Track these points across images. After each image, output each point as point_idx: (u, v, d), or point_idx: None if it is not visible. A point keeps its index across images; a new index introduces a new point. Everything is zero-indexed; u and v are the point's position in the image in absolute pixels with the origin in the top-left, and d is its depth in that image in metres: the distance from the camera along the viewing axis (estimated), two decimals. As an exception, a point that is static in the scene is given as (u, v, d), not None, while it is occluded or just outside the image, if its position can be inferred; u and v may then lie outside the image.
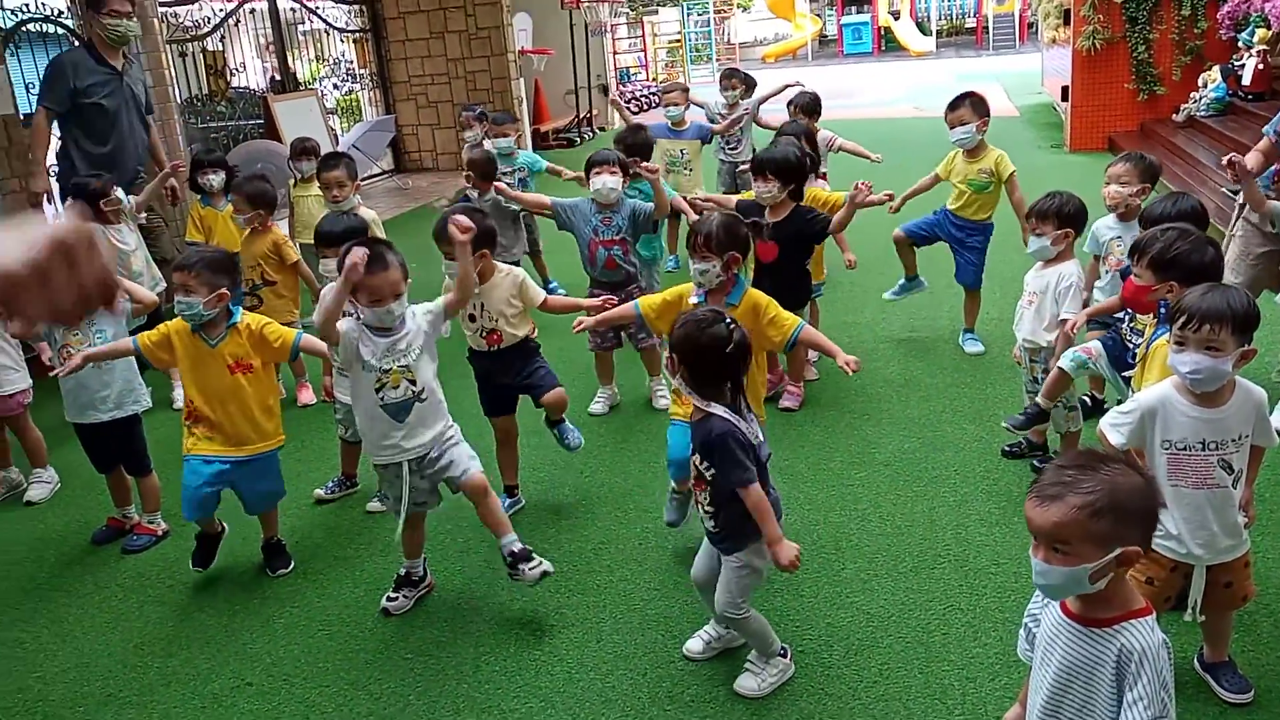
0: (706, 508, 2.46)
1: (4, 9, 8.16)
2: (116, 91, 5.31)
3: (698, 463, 2.43)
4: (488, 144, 6.23)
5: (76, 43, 7.03)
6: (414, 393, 2.84)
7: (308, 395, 4.82)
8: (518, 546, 2.95)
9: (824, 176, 6.00)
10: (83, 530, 3.77)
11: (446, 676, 2.75)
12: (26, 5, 8.27)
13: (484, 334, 3.48)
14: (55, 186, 5.72)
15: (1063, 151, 10.13)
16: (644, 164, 4.42)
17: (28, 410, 4.05)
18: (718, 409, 2.36)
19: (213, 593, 3.29)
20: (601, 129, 14.62)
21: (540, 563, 2.93)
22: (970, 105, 4.68)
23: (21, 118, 6.28)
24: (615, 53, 17.17)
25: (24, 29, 8.29)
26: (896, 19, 26.26)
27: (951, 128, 4.73)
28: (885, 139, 9.97)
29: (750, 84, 7.07)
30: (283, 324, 4.61)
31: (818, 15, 29.30)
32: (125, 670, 2.90)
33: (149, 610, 3.22)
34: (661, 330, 3.25)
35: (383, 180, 11.94)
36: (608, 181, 4.22)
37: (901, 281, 5.16)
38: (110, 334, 3.48)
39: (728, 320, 2.41)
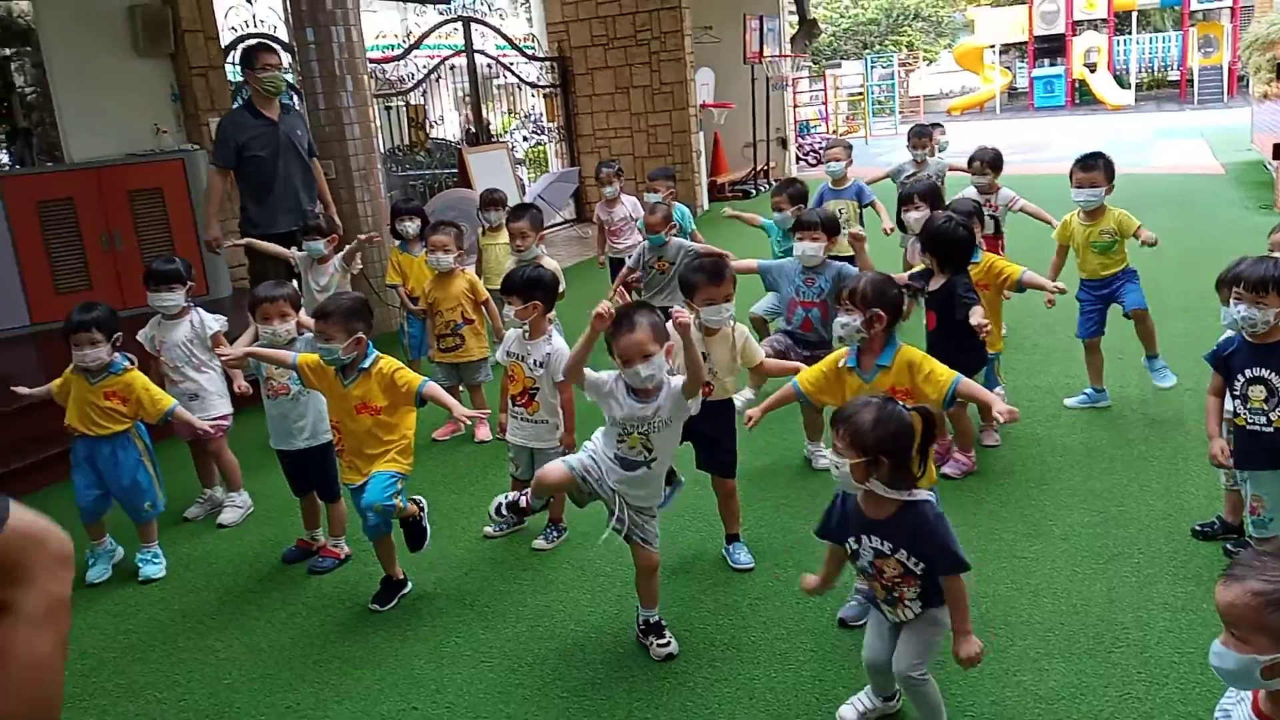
0: (910, 602, 2.37)
1: (235, 61, 8.98)
2: (272, 141, 5.77)
3: (904, 559, 2.32)
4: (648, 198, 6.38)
5: (295, 97, 7.67)
6: (647, 458, 2.91)
7: (484, 432, 5.03)
8: (655, 618, 3.09)
9: (1001, 237, 5.86)
10: (275, 549, 4.06)
11: (599, 719, 2.80)
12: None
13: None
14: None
15: (1272, 212, 9.44)
16: (853, 230, 4.46)
17: (226, 436, 4.39)
18: (920, 493, 2.32)
19: (386, 617, 3.47)
20: (778, 180, 14.66)
21: (670, 642, 3.06)
22: (1103, 167, 4.60)
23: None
24: (796, 106, 17.23)
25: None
26: (1093, 72, 25.25)
27: (1078, 187, 4.65)
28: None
29: (939, 143, 6.97)
30: (477, 360, 4.93)
31: (1007, 68, 28.53)
32: (304, 684, 3.09)
33: (329, 629, 3.42)
34: (825, 404, 3.25)
35: (564, 229, 12.36)
36: (808, 249, 4.27)
37: (1087, 391, 4.92)
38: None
39: (901, 405, 2.34)
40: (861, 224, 6.28)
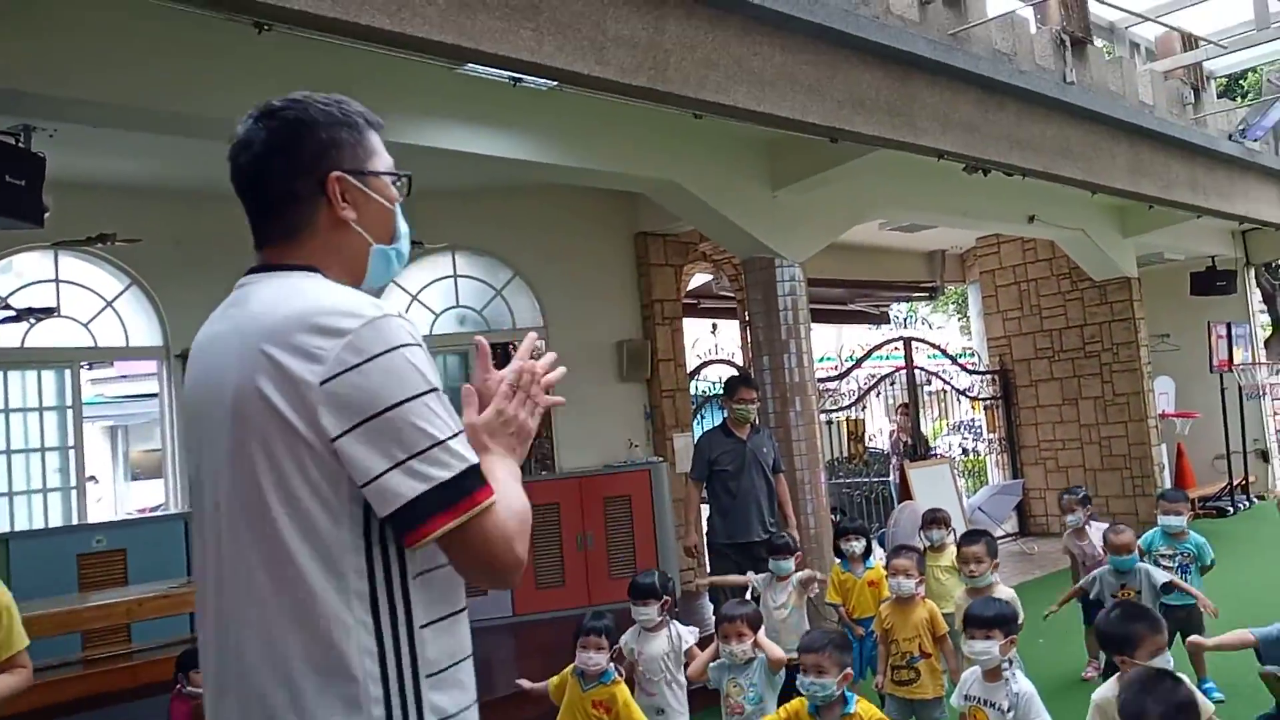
0: None
1: (698, 380, 10.07)
2: (738, 457, 6.22)
3: None
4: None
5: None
6: None
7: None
8: None
9: None
10: None
11: None
12: (710, 387, 10.13)
13: None
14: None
15: None
16: None
17: None
18: None
19: None
20: (1260, 497, 12.98)
21: None
22: None
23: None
24: (1276, 414, 15.42)
25: (706, 403, 10.12)
26: None
27: None
28: None
29: None
30: (932, 699, 4.63)
31: None
32: None
33: None
34: None
35: (1005, 543, 11.77)
36: None
37: None
38: (760, 687, 3.87)
39: None
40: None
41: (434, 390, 1.38)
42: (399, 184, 1.62)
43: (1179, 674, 2.86)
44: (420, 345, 1.41)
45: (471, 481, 1.36)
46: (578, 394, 8.50)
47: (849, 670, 3.27)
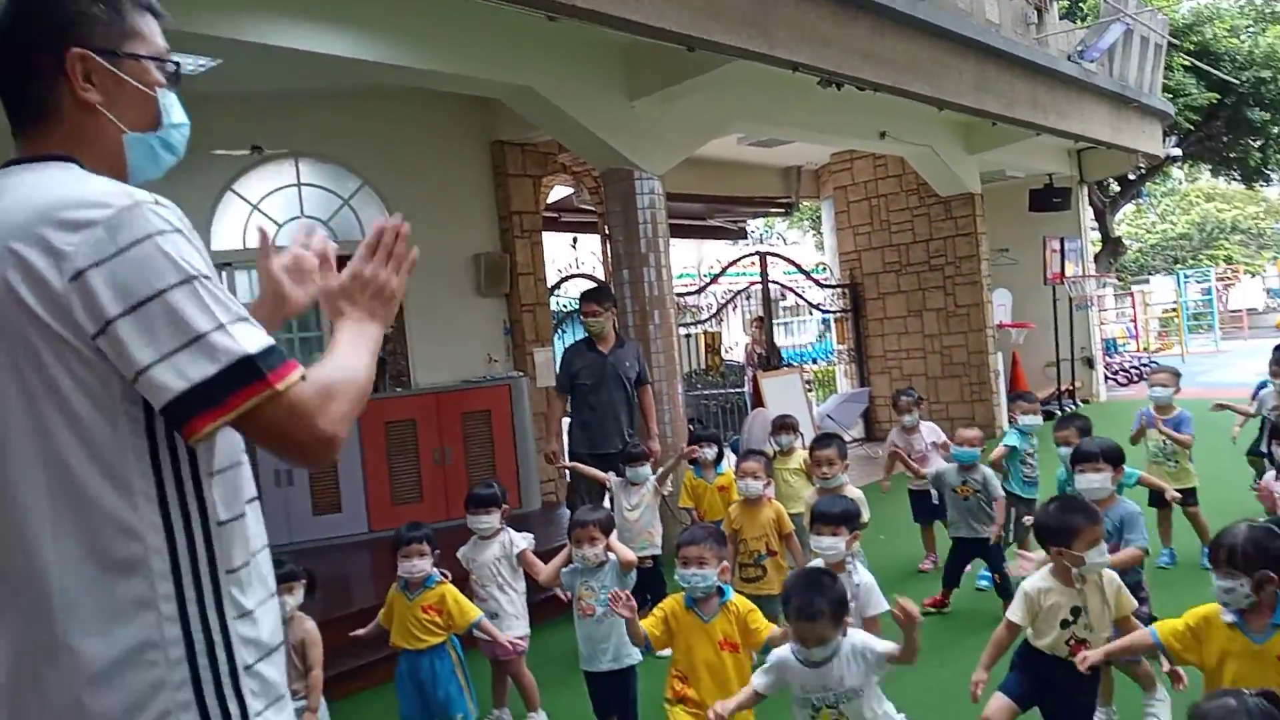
0: None
1: (559, 295, 9.99)
2: (598, 370, 6.32)
3: None
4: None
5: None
6: None
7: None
8: None
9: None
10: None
11: None
12: (570, 302, 10.05)
13: (1071, 641, 3.18)
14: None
15: None
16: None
17: (524, 656, 4.48)
18: None
19: None
20: (1085, 401, 13.94)
21: None
22: None
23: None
24: (1101, 324, 16.51)
25: (567, 318, 10.07)
26: None
27: None
28: None
29: None
30: (777, 595, 4.79)
31: (1353, 277, 25.98)
32: None
33: None
34: (1189, 663, 2.89)
35: (853, 448, 12.29)
36: (1092, 480, 4.02)
37: None
38: (611, 589, 3.94)
39: None
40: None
41: (195, 278, 1.30)
42: (168, 71, 1.51)
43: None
44: (180, 231, 1.32)
45: (245, 374, 1.28)
46: (434, 308, 8.33)
47: (726, 563, 3.36)
